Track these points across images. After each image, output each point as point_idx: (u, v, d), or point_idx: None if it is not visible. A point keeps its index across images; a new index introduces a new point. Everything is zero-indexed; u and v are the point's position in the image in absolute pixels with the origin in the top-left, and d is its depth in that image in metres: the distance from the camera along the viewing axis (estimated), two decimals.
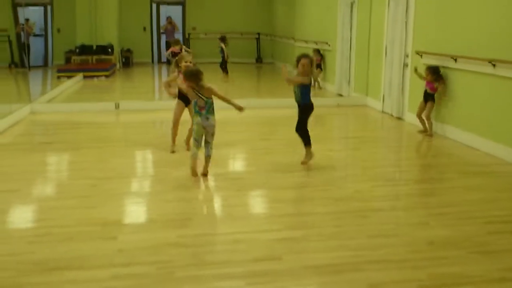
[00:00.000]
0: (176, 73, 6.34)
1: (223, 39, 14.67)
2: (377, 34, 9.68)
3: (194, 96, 5.31)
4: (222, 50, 14.53)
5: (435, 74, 7.34)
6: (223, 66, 14.59)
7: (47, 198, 5.00)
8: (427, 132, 7.52)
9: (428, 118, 7.51)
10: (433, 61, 7.53)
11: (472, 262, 3.49)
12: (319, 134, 8.37)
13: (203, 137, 5.38)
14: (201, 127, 5.31)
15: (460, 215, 4.36)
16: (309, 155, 5.85)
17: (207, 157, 5.42)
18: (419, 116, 7.62)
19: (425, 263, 3.47)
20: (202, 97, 5.27)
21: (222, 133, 7.51)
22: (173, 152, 6.39)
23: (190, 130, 6.27)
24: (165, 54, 13.49)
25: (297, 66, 5.70)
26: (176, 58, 6.48)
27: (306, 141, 5.84)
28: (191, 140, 5.55)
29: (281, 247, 3.72)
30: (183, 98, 6.24)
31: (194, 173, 5.38)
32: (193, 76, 5.30)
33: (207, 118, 5.30)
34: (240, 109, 5.45)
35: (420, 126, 7.65)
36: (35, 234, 3.99)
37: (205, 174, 5.42)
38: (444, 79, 7.30)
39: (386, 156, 6.77)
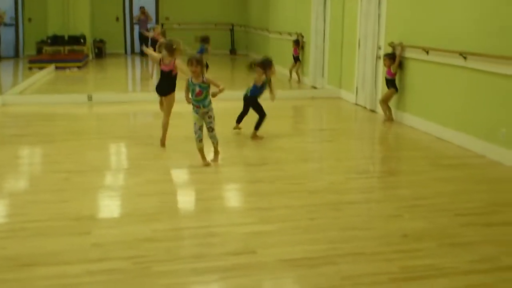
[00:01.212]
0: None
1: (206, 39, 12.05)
2: (350, 27, 9.72)
3: (198, 78, 5.40)
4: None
5: (393, 60, 7.72)
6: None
7: (19, 192, 4.93)
8: (390, 119, 7.88)
9: (386, 102, 7.87)
10: (405, 53, 7.63)
11: (444, 254, 3.54)
12: (293, 126, 8.42)
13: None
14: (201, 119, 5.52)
15: (432, 207, 4.42)
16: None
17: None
18: (385, 103, 7.95)
19: (397, 255, 3.52)
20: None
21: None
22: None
23: (164, 126, 6.29)
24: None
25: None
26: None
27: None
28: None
29: (255, 240, 3.73)
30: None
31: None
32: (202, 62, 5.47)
33: (207, 113, 5.50)
34: None
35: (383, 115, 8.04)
36: (6, 229, 3.94)
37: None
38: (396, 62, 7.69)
39: (360, 148, 6.83)
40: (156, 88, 6.42)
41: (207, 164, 5.51)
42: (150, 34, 12.98)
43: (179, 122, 6.80)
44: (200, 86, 5.39)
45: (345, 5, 9.97)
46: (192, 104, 5.51)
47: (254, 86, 6.78)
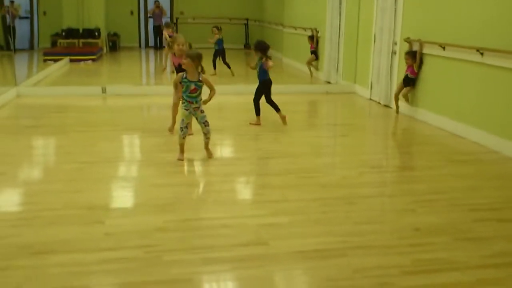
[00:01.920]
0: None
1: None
2: (366, 21, 9.68)
3: (193, 75, 5.31)
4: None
5: (415, 58, 7.63)
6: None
7: (34, 181, 4.98)
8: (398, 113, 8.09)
9: (397, 96, 8.02)
10: (422, 49, 7.58)
11: (456, 248, 3.52)
12: (307, 120, 8.41)
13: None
14: (190, 116, 5.46)
15: (446, 202, 4.40)
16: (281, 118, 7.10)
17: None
18: (396, 96, 8.07)
19: (410, 249, 3.51)
20: (198, 80, 5.35)
21: (210, 119, 7.52)
22: (170, 131, 6.48)
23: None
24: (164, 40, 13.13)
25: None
26: (169, 40, 6.49)
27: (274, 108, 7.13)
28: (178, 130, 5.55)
29: (267, 232, 3.74)
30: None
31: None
32: (198, 58, 5.35)
33: (198, 108, 5.41)
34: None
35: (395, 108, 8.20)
36: (21, 218, 3.97)
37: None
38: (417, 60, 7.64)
39: (373, 143, 6.81)
40: None
41: (182, 159, 5.45)
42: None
43: None
44: (195, 84, 5.33)
45: (361, 0, 9.92)
46: (184, 100, 5.40)
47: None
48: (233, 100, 8.94)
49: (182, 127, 5.42)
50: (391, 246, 3.55)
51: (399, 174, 5.45)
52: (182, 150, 5.48)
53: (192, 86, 5.32)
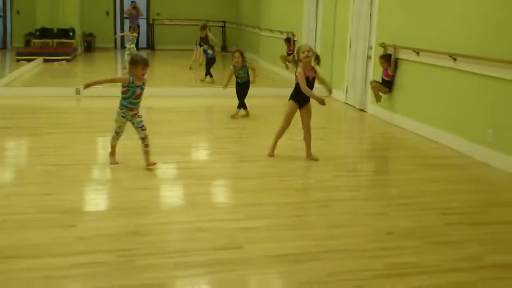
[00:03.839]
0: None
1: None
2: (341, 26, 9.73)
3: (140, 80, 5.16)
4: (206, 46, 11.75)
5: (390, 61, 7.70)
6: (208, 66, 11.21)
7: (4, 184, 4.89)
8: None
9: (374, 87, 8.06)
10: (397, 54, 7.65)
11: (428, 252, 3.56)
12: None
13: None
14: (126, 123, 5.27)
15: (418, 206, 4.44)
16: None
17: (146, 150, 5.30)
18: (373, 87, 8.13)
19: (383, 252, 3.53)
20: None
21: (187, 121, 7.49)
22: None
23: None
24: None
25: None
26: (294, 53, 5.95)
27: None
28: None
29: (242, 236, 3.73)
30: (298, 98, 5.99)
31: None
32: (142, 63, 5.16)
33: (136, 114, 5.25)
34: None
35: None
36: None
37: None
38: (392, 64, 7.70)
39: (348, 147, 6.85)
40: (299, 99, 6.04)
41: (115, 163, 5.37)
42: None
43: (168, 117, 6.79)
44: (141, 88, 5.19)
45: (337, 5, 9.97)
46: (123, 106, 5.20)
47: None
48: (209, 102, 8.91)
49: (119, 132, 5.30)
50: (364, 249, 3.57)
51: (372, 178, 5.49)
52: (114, 152, 5.40)
53: (138, 91, 5.17)
